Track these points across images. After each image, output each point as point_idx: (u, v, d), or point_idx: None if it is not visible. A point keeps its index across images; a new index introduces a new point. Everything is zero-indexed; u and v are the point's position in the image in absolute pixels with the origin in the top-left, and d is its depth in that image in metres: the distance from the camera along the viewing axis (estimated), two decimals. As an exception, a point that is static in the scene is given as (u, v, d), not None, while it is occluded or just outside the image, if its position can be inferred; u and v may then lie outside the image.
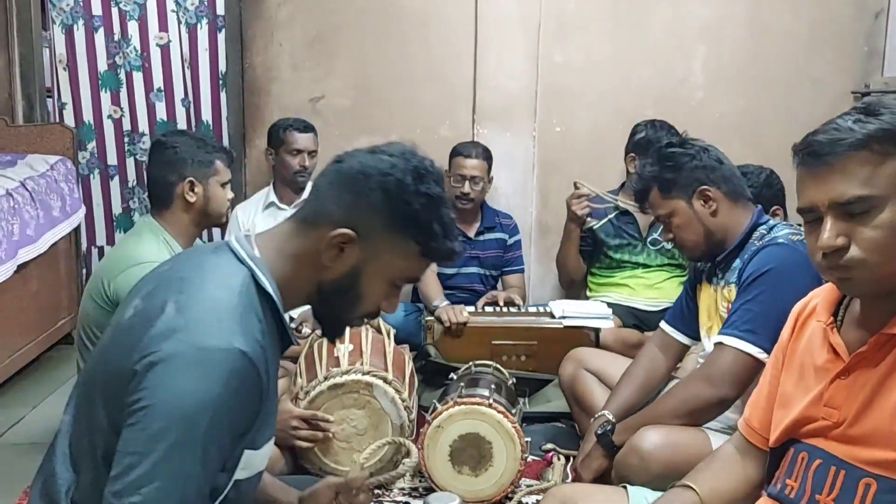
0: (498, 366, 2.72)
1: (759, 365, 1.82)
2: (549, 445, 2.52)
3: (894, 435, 1.13)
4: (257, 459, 1.23)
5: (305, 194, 3.41)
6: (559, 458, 2.44)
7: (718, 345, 1.92)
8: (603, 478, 2.07)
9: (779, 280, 1.85)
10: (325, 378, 2.31)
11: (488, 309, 3.23)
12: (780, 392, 1.36)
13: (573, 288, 3.64)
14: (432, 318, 3.11)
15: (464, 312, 3.06)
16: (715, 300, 2.10)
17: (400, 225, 1.20)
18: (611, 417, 2.14)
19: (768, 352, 1.78)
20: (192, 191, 2.31)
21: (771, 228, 2.00)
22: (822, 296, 1.32)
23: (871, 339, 1.18)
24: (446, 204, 1.24)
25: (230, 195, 2.46)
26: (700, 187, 2.01)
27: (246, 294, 1.14)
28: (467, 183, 3.37)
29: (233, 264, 1.18)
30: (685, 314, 2.25)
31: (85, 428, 1.17)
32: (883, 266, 1.13)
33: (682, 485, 1.45)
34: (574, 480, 2.26)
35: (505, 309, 3.25)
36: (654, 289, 3.43)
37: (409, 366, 2.51)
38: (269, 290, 1.18)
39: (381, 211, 1.19)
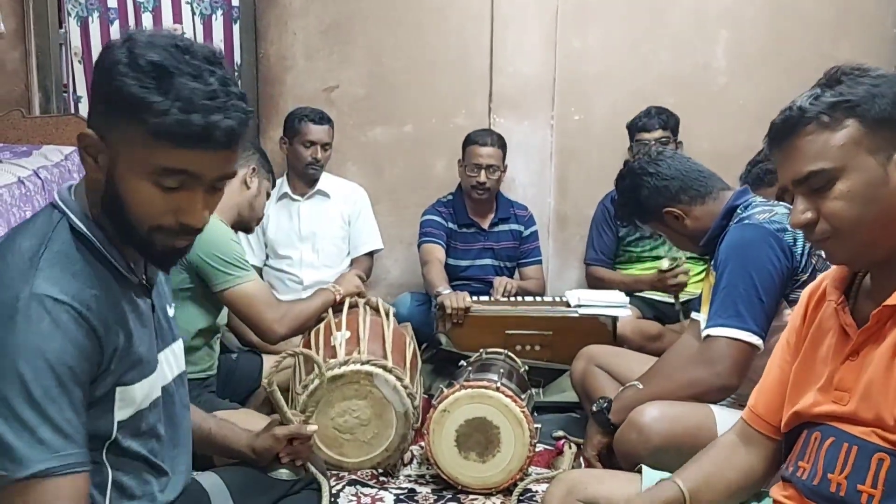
0: (510, 353, 2.64)
1: (753, 348, 1.82)
2: (560, 433, 2.44)
3: None
4: (136, 396, 1.18)
5: (319, 185, 3.41)
6: (570, 447, 2.35)
7: (707, 338, 1.88)
8: (607, 455, 2.03)
9: (741, 261, 1.86)
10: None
11: (502, 298, 3.15)
12: (792, 377, 1.32)
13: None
14: (443, 306, 3.04)
15: (466, 298, 2.97)
16: (710, 286, 2.07)
17: (118, 108, 1.05)
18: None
19: (757, 333, 1.81)
20: (253, 178, 2.38)
21: (747, 207, 1.98)
22: (831, 275, 1.28)
23: (874, 313, 1.15)
24: (177, 72, 1.04)
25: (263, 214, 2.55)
26: (663, 211, 2.06)
27: (58, 237, 1.10)
28: (483, 172, 3.30)
29: (47, 213, 1.13)
30: None
31: None
32: (855, 235, 1.13)
33: (669, 479, 1.39)
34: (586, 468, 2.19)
35: (520, 298, 3.17)
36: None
37: (411, 347, 2.43)
38: (83, 228, 1.12)
39: (103, 99, 1.07)
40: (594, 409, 2.08)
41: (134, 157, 1.07)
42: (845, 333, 1.20)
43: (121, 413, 1.16)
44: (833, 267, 1.28)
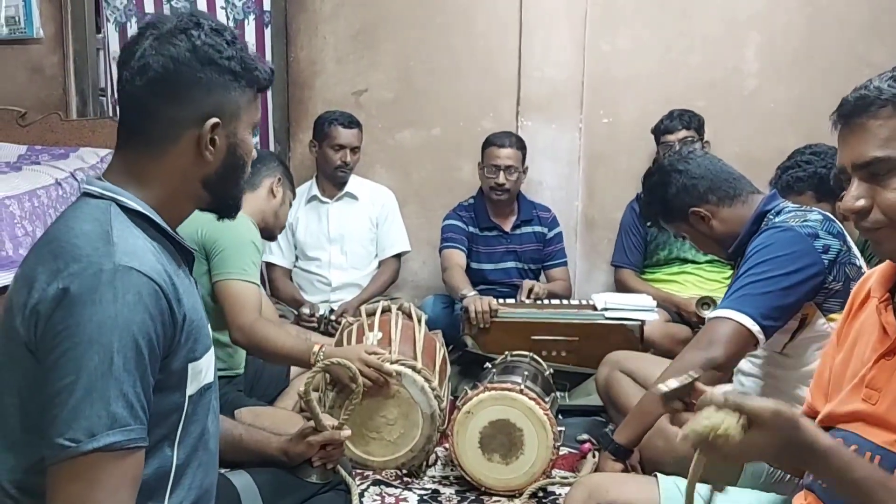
0: (535, 356, 2.65)
1: (749, 334, 1.78)
2: (585, 436, 2.44)
3: None
4: (202, 370, 1.20)
5: (348, 188, 3.45)
6: (594, 455, 2.35)
7: (707, 321, 1.86)
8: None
9: (766, 257, 1.83)
10: (353, 368, 2.27)
11: (528, 301, 3.15)
12: (832, 373, 1.30)
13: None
14: (470, 309, 3.04)
15: (492, 303, 2.97)
16: None
17: (233, 81, 1.20)
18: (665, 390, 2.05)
19: (757, 321, 1.77)
20: (279, 187, 2.46)
21: (778, 213, 1.95)
22: (878, 271, 1.24)
23: None
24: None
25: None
26: (689, 210, 2.01)
27: (116, 219, 1.12)
28: (502, 173, 3.31)
29: (91, 202, 1.15)
30: None
31: None
32: None
33: None
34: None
35: (546, 301, 3.17)
36: (703, 284, 3.32)
37: (441, 353, 2.45)
38: (140, 208, 1.16)
39: (214, 81, 1.18)
40: (598, 437, 2.03)
41: (248, 117, 1.24)
42: (885, 332, 1.16)
43: (191, 387, 1.17)
44: (882, 264, 1.25)
